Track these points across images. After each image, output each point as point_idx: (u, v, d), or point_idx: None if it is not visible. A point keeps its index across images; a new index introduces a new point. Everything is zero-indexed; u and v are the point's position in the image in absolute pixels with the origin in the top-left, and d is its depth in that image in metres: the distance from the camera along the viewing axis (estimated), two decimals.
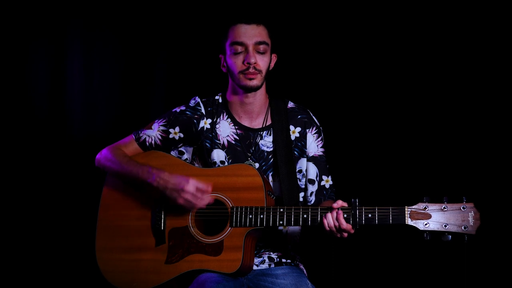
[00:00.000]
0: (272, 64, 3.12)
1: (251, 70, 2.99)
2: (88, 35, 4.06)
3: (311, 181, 3.11)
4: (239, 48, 3.00)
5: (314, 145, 3.14)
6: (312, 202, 3.11)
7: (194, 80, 4.04)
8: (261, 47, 3.01)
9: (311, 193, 3.11)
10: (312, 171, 3.12)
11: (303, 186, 3.12)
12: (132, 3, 4.06)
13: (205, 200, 2.86)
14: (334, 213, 2.73)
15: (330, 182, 3.13)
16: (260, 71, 3.01)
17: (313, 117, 3.18)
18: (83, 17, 4.04)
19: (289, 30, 3.93)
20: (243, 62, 2.99)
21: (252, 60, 2.98)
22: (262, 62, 3.02)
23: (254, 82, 3.01)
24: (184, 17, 4.07)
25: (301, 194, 3.12)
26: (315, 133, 3.15)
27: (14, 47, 3.98)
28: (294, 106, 3.17)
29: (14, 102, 3.99)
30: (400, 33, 3.87)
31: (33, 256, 3.97)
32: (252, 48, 2.99)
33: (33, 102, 4.02)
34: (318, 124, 3.17)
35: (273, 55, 3.11)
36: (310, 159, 3.13)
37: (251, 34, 3.00)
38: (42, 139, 4.01)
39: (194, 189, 2.84)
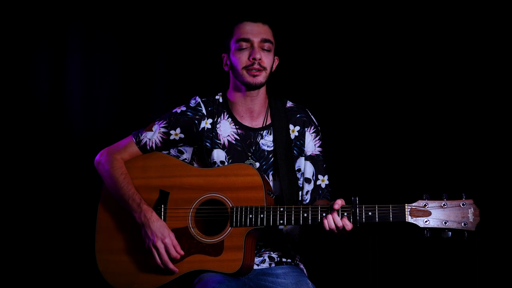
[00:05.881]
0: (274, 66, 3.12)
1: (256, 66, 2.98)
2: (88, 35, 4.06)
3: (308, 180, 3.11)
4: (244, 44, 3.00)
5: (312, 144, 3.14)
6: (307, 201, 3.11)
7: (195, 79, 4.04)
8: (266, 45, 3.01)
9: (307, 192, 3.11)
10: (309, 170, 3.12)
11: (301, 185, 3.12)
12: (132, 2, 4.05)
13: (168, 263, 2.86)
14: (335, 214, 2.74)
15: (326, 182, 3.13)
16: (265, 68, 3.01)
17: (312, 116, 3.18)
18: (83, 16, 4.03)
19: (288, 30, 3.92)
20: (248, 58, 2.99)
21: (258, 56, 2.98)
22: (267, 59, 3.02)
23: (259, 79, 3.01)
24: (185, 16, 4.07)
25: (300, 193, 3.12)
26: (313, 132, 3.15)
27: (15, 46, 3.97)
28: (292, 105, 3.17)
29: (15, 103, 3.99)
30: (398, 33, 3.87)
31: (33, 256, 3.97)
32: (258, 45, 3.00)
33: (34, 102, 4.01)
34: (317, 123, 3.17)
35: (275, 58, 3.11)
36: (308, 158, 3.13)
37: (257, 31, 3.01)
38: (42, 139, 4.01)
39: (171, 244, 2.85)
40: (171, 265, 2.87)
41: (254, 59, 2.98)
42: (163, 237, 2.87)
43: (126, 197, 2.96)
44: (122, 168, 3.04)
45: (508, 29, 3.69)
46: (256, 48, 2.99)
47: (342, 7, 3.94)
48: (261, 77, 3.01)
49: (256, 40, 3.00)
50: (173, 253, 2.87)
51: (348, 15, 3.94)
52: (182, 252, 2.88)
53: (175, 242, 2.88)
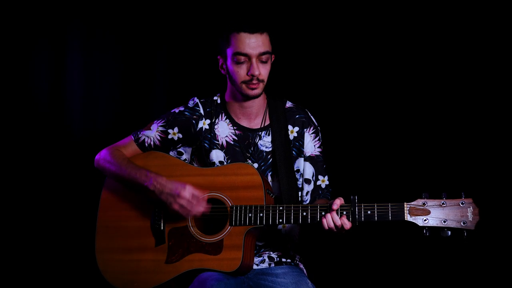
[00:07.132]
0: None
1: (254, 81, 2.96)
2: (88, 35, 4.06)
3: (307, 181, 3.11)
4: (242, 58, 2.95)
5: (311, 145, 3.13)
6: (307, 202, 3.11)
7: (195, 80, 4.03)
8: (264, 57, 2.96)
9: (307, 192, 3.11)
10: (309, 170, 3.12)
11: (300, 186, 3.12)
12: (132, 2, 4.06)
13: (200, 208, 2.85)
14: (334, 213, 2.74)
15: (326, 182, 3.13)
16: (262, 81, 2.98)
17: (311, 116, 3.17)
18: (83, 16, 4.04)
19: (287, 30, 3.93)
20: (246, 73, 2.96)
21: (256, 72, 2.94)
22: (265, 71, 2.98)
23: (256, 91, 2.99)
24: (185, 16, 4.06)
25: (300, 194, 3.11)
26: (312, 133, 3.14)
27: (15, 46, 3.98)
28: (292, 105, 3.16)
29: (15, 103, 4.00)
30: (398, 33, 3.87)
31: (33, 256, 3.98)
32: (256, 59, 2.95)
33: (34, 102, 4.02)
34: (316, 124, 3.16)
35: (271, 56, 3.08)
36: (307, 159, 3.12)
37: (254, 45, 2.94)
38: (42, 139, 4.02)
39: (190, 195, 2.83)
40: (200, 209, 2.85)
41: (252, 75, 2.95)
42: (182, 188, 2.83)
43: (133, 174, 2.95)
44: (124, 155, 3.05)
45: (508, 29, 3.69)
46: (254, 64, 2.94)
47: (342, 7, 3.93)
48: (259, 89, 2.99)
49: (254, 55, 2.94)
50: (199, 194, 2.85)
51: (348, 15, 3.93)
52: (202, 195, 2.85)
53: (190, 189, 2.84)
